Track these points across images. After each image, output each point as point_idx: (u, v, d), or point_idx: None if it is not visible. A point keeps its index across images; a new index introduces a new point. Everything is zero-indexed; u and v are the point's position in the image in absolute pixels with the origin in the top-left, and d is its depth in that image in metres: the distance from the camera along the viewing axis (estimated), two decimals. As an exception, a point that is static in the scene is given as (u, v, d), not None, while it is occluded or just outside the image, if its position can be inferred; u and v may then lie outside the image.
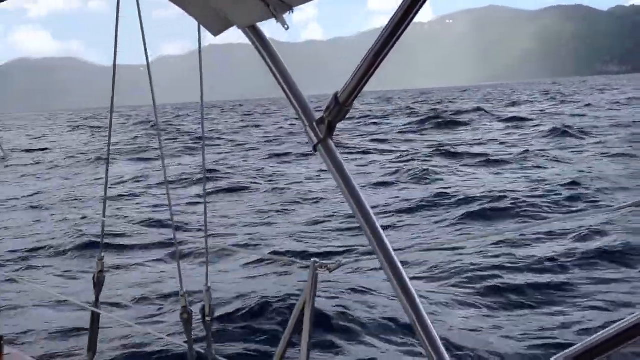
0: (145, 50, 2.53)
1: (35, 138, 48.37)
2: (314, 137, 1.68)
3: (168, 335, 5.99)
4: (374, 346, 6.56)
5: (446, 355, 1.58)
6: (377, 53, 1.55)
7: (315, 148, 1.68)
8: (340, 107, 1.63)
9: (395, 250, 1.64)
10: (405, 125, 38.31)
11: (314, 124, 1.68)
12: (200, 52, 2.38)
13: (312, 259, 2.04)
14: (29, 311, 7.92)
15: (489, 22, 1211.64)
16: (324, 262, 2.04)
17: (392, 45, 1.55)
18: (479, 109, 47.43)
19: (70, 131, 54.79)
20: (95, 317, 2.78)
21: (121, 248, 11.10)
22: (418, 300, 1.60)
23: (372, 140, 30.22)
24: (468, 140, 27.90)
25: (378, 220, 1.67)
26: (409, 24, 1.49)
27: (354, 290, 8.24)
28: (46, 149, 35.98)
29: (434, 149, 24.00)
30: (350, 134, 34.28)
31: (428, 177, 17.44)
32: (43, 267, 10.31)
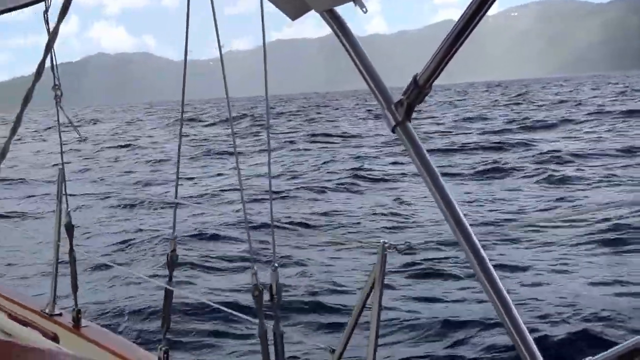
0: (219, 45, 2.58)
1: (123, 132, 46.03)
2: (392, 120, 1.70)
3: (239, 312, 6.19)
4: (444, 332, 6.51)
5: (536, 349, 1.56)
6: (459, 34, 1.55)
7: (393, 130, 1.71)
8: (419, 89, 1.64)
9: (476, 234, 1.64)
10: (507, 121, 33.92)
11: (393, 106, 1.70)
12: (264, 44, 2.41)
13: (382, 240, 2.05)
14: (106, 288, 8.27)
15: (553, 15, 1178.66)
16: (393, 243, 2.05)
17: (474, 26, 1.54)
18: (574, 101, 44.35)
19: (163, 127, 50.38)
20: (168, 294, 2.87)
21: (195, 229, 11.40)
22: (503, 289, 1.59)
23: (481, 138, 26.28)
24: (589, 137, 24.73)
25: (457, 203, 1.67)
26: (492, 2, 1.48)
27: (424, 272, 8.30)
28: (128, 146, 33.38)
29: (554, 146, 21.31)
30: (449, 128, 31.72)
31: (562, 181, 15.23)
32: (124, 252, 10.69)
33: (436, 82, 1.66)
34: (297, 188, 16.14)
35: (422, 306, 7.16)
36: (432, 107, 50.77)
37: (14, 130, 2.23)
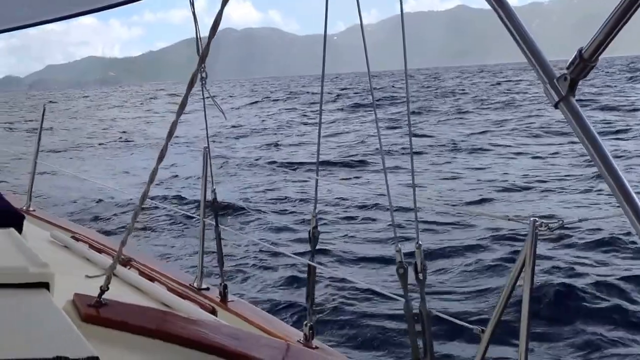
0: (360, 18, 2.55)
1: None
2: (554, 95, 1.62)
3: (383, 290, 6.20)
4: (606, 320, 6.15)
5: None
6: (630, 3, 1.45)
7: (556, 106, 1.64)
8: (584, 63, 1.56)
9: None
10: None
11: (555, 81, 1.63)
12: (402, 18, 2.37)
13: (532, 218, 1.98)
14: (250, 263, 8.46)
15: None
16: (545, 220, 1.97)
17: None
18: None
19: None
20: (311, 270, 2.91)
21: (337, 207, 11.52)
22: None
23: None
24: None
25: (629, 182, 1.57)
26: None
27: (577, 254, 7.97)
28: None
29: None
30: None
31: None
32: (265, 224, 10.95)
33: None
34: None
35: (578, 290, 6.82)
36: None
37: (179, 112, 2.33)
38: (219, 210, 3.61)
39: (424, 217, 9.88)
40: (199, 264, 3.77)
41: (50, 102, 71.77)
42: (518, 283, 2.02)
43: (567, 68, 1.58)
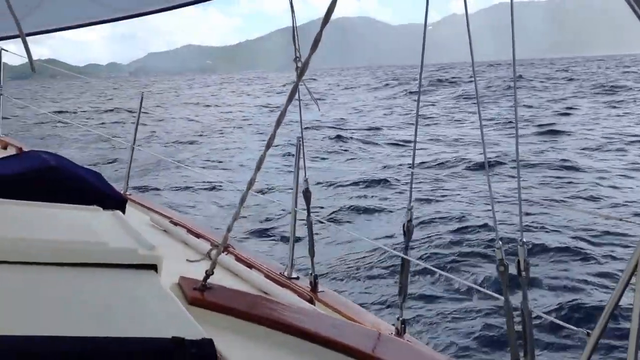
0: (466, 8, 2.48)
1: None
2: None
3: (482, 287, 5.98)
4: None
5: None
6: None
7: None
8: None
9: None
10: None
11: None
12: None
13: None
14: (342, 254, 8.39)
15: None
16: None
17: None
18: None
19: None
20: (405, 263, 2.86)
21: (434, 199, 11.34)
22: None
23: None
24: None
25: None
26: None
27: None
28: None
29: None
30: None
31: None
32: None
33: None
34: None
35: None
36: None
37: (287, 103, 2.35)
38: (310, 199, 3.59)
39: (530, 213, 9.61)
40: (290, 253, 3.75)
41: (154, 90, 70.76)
42: (629, 287, 1.90)
43: None
